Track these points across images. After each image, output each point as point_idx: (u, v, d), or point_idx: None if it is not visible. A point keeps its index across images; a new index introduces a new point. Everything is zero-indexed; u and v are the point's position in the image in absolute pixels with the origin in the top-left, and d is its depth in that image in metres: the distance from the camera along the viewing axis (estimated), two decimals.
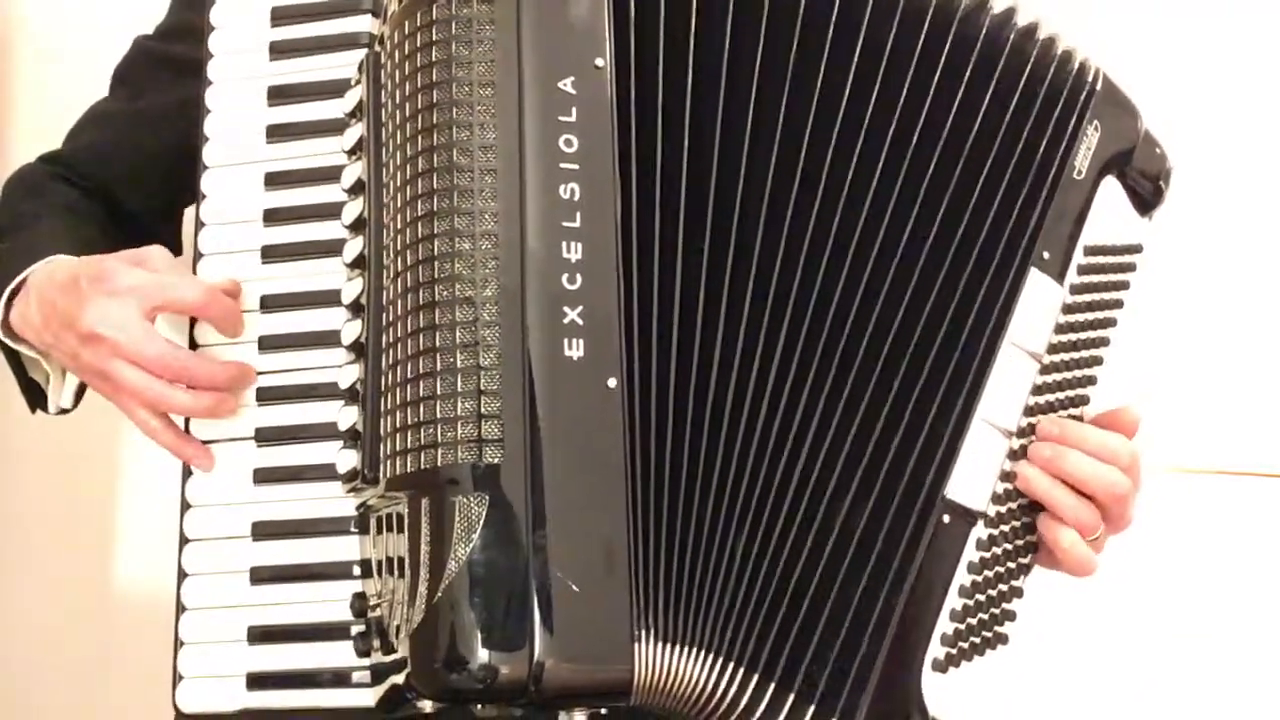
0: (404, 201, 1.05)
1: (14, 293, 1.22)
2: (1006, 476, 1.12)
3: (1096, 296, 1.17)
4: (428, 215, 1.03)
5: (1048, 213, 1.13)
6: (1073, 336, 1.15)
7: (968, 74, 1.12)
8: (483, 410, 0.99)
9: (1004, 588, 1.12)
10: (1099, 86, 1.17)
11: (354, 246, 1.10)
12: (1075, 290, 1.15)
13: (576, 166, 1.03)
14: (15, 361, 1.28)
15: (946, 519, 1.08)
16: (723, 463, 1.05)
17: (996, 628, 1.11)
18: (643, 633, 1.00)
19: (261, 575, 1.12)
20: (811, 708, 1.04)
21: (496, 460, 0.98)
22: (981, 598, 1.10)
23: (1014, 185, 1.13)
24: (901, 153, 1.11)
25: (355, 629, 1.07)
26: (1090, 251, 1.16)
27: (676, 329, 1.05)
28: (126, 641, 1.83)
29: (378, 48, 1.13)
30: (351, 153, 1.13)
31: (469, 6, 1.05)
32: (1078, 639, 1.78)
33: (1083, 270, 1.15)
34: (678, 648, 1.02)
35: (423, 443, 1.00)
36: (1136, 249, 1.19)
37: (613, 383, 1.01)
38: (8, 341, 1.24)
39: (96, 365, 1.13)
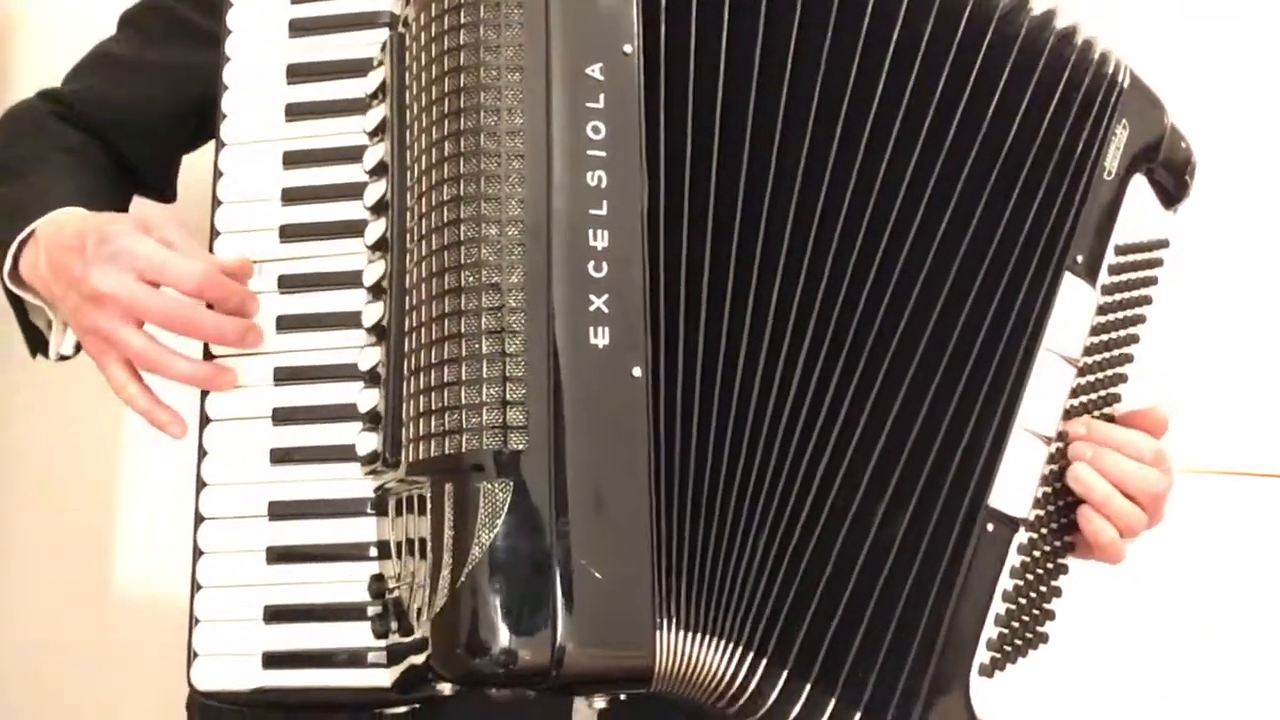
0: (429, 185, 1.05)
1: (23, 242, 1.21)
2: (1045, 480, 1.12)
3: (1127, 295, 1.17)
4: (454, 199, 1.03)
5: (1080, 217, 1.13)
6: (1105, 337, 1.16)
7: (1005, 74, 1.12)
8: (508, 397, 0.99)
9: (1044, 588, 1.12)
10: (1127, 83, 1.17)
11: (376, 229, 1.10)
12: (1106, 290, 1.15)
13: (604, 153, 1.03)
14: (20, 307, 1.27)
15: (990, 527, 1.09)
16: (747, 457, 1.05)
17: (1038, 628, 1.12)
18: (664, 620, 1.00)
19: (277, 555, 1.11)
20: (859, 714, 1.05)
21: (521, 447, 0.99)
22: (1024, 600, 1.10)
23: (1050, 191, 1.13)
24: (935, 151, 1.10)
25: (373, 610, 1.07)
26: (1120, 250, 1.16)
27: (703, 321, 1.05)
28: (127, 635, 1.82)
29: (402, 29, 1.12)
30: (374, 134, 1.12)
31: None
32: (1088, 638, 1.79)
33: (1113, 270, 1.16)
34: (700, 636, 1.02)
35: (447, 428, 1.00)
36: (1163, 244, 1.19)
37: (637, 372, 1.01)
38: (15, 289, 1.24)
39: (99, 325, 1.12)
